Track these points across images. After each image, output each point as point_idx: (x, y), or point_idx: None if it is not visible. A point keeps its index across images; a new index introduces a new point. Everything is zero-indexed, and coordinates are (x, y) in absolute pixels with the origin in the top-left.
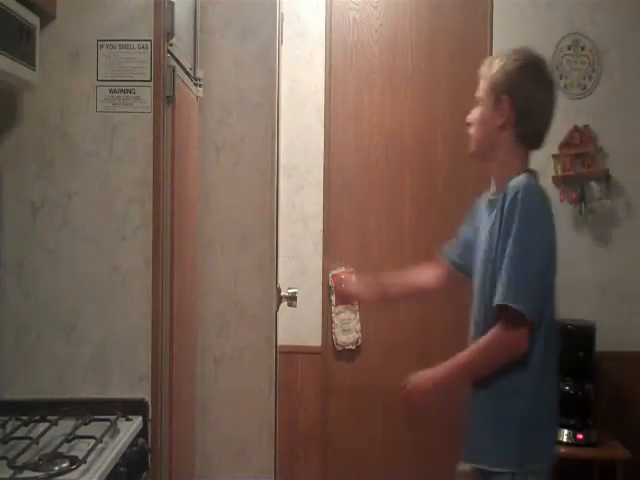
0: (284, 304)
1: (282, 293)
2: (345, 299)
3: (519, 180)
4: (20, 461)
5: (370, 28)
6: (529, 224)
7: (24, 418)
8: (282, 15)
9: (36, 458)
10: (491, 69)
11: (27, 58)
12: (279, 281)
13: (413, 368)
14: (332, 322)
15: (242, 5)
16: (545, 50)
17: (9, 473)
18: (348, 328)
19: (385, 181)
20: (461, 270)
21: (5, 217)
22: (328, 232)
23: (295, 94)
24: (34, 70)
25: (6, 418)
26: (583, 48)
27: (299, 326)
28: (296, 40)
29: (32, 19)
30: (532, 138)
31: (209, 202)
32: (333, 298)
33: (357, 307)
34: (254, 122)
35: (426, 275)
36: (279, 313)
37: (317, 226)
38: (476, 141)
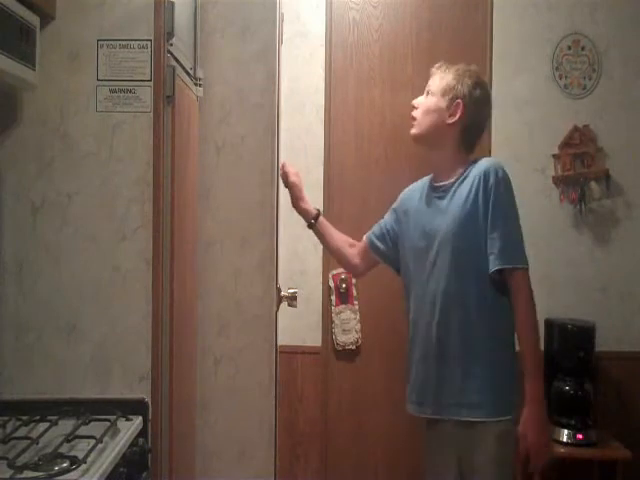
0: (284, 304)
1: (282, 293)
2: (285, 182)
3: (490, 162)
4: (20, 461)
5: (370, 28)
6: (511, 196)
7: (24, 418)
8: (282, 15)
9: (36, 458)
10: (449, 73)
11: (27, 58)
12: (279, 281)
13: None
14: (332, 322)
15: (242, 5)
16: (545, 50)
17: (9, 473)
18: (348, 328)
19: (385, 181)
20: (378, 254)
21: (5, 217)
22: None
23: (295, 94)
24: (34, 70)
25: (6, 418)
26: (583, 48)
27: (299, 326)
28: (296, 40)
29: (32, 19)
30: (471, 142)
31: (209, 202)
32: (333, 298)
33: (357, 307)
34: (254, 122)
35: (352, 249)
36: (279, 313)
37: None
38: (424, 126)
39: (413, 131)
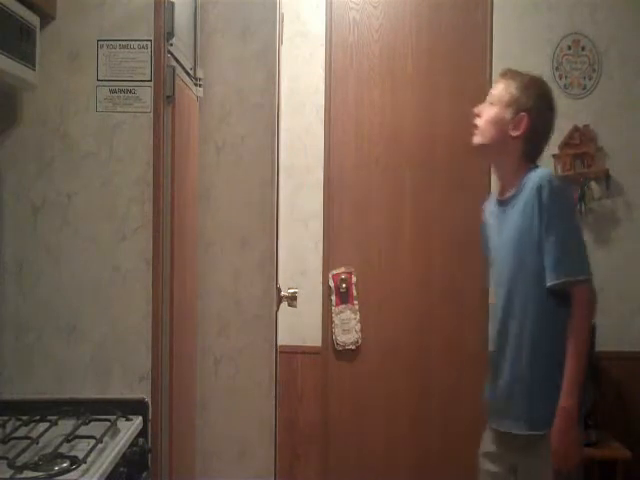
0: (284, 304)
1: (282, 293)
2: None
3: (543, 173)
4: (20, 461)
5: (370, 28)
6: (567, 207)
7: (24, 418)
8: (282, 15)
9: (36, 458)
10: (513, 83)
11: (27, 58)
12: (279, 281)
13: (413, 368)
14: (332, 322)
15: (242, 5)
16: (545, 50)
17: (9, 473)
18: (348, 328)
19: (385, 181)
20: None
21: (5, 217)
22: (328, 232)
23: (295, 94)
24: (34, 70)
25: (6, 418)
26: (583, 48)
27: (299, 326)
28: (296, 40)
29: (32, 19)
30: (535, 154)
31: (209, 202)
32: (333, 298)
33: (357, 307)
34: (254, 122)
35: None
36: (279, 313)
37: (317, 226)
38: (487, 137)
39: (475, 140)
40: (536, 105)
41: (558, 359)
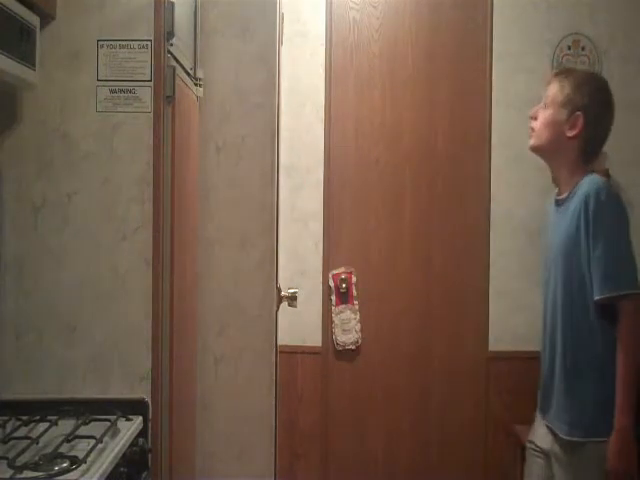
0: (284, 304)
1: (282, 293)
2: None
3: (593, 182)
4: (20, 461)
5: (370, 28)
6: (616, 219)
7: (24, 418)
8: (282, 15)
9: (36, 458)
10: (568, 82)
11: (27, 58)
12: (279, 281)
13: (413, 368)
14: (332, 322)
15: (242, 5)
16: (545, 50)
17: (9, 473)
18: (348, 328)
19: (385, 181)
20: None
21: (5, 217)
22: (328, 232)
23: (295, 94)
24: (34, 70)
25: (6, 418)
26: (583, 48)
27: (299, 326)
28: (296, 40)
29: (32, 19)
30: (593, 153)
31: (209, 202)
32: (333, 298)
33: (357, 307)
34: (254, 122)
35: None
36: (279, 313)
37: (317, 226)
38: (543, 139)
39: (532, 142)
40: (591, 102)
41: (603, 370)
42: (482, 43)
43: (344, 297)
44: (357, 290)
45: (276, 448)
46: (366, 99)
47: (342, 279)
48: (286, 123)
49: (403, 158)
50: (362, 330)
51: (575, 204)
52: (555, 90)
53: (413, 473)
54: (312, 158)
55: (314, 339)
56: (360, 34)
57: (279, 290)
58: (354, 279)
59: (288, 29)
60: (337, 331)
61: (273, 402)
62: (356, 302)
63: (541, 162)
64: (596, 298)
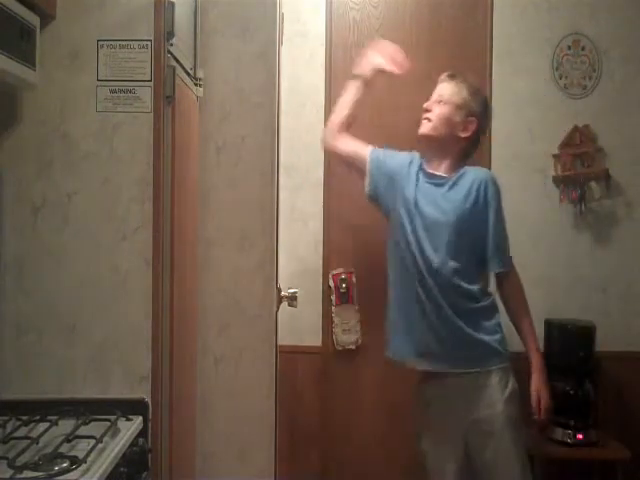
0: (284, 304)
1: (282, 293)
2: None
3: (487, 172)
4: (20, 461)
5: (370, 28)
6: (501, 205)
7: (24, 418)
8: (282, 15)
9: (36, 458)
10: (463, 87)
11: (27, 58)
12: (279, 281)
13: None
14: (332, 322)
15: (242, 5)
16: (545, 50)
17: (9, 473)
18: (348, 328)
19: None
20: (368, 174)
21: (5, 217)
22: (328, 232)
23: (295, 94)
24: (34, 70)
25: (6, 418)
26: (583, 48)
27: (299, 326)
28: (296, 40)
29: (32, 19)
30: (472, 153)
31: (209, 202)
32: (333, 298)
33: (357, 307)
34: (254, 122)
35: (349, 136)
36: (279, 313)
37: (317, 226)
38: (437, 132)
39: (424, 131)
40: (482, 112)
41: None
42: (482, 43)
43: (344, 297)
44: (357, 290)
45: (276, 448)
46: (366, 99)
47: (342, 279)
48: (286, 123)
49: None
50: (362, 330)
51: (468, 184)
52: (451, 91)
53: (413, 473)
54: (312, 158)
55: (314, 339)
56: (360, 34)
57: (279, 290)
58: (354, 279)
59: (288, 29)
60: (337, 331)
61: (273, 402)
62: (356, 302)
63: (541, 162)
64: (498, 270)
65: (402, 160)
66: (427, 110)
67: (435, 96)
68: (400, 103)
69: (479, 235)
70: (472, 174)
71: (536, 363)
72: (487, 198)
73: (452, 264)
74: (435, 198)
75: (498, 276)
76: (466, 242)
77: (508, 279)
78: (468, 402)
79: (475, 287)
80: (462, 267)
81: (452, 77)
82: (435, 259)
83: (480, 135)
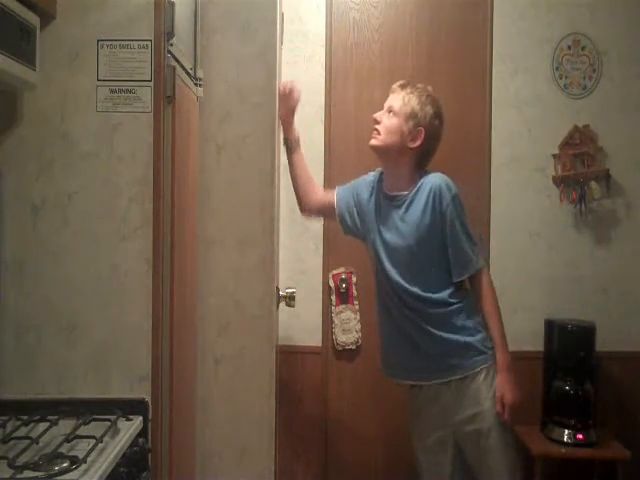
0: (282, 304)
1: (280, 293)
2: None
3: (441, 178)
4: (20, 461)
5: (370, 28)
6: (463, 207)
7: (24, 418)
8: (282, 15)
9: (36, 458)
10: (413, 97)
11: (27, 58)
12: (279, 281)
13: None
14: (332, 322)
15: (242, 5)
16: (545, 50)
17: (9, 473)
18: (348, 328)
19: None
20: (337, 217)
21: (5, 217)
22: (328, 232)
23: None
24: (34, 70)
25: (6, 418)
26: (583, 48)
27: (299, 326)
28: (296, 40)
29: (32, 19)
30: (426, 162)
31: (209, 202)
32: (333, 298)
33: (357, 307)
34: (254, 122)
35: (318, 190)
36: (279, 313)
37: (317, 226)
38: (386, 143)
39: (374, 143)
40: (431, 122)
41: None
42: (482, 43)
43: (344, 297)
44: (357, 290)
45: (276, 448)
46: (366, 99)
47: (342, 279)
48: None
49: None
50: (362, 330)
51: (424, 197)
52: (401, 102)
53: (413, 473)
54: (312, 158)
55: (314, 339)
56: (360, 34)
57: (277, 290)
58: (354, 279)
59: (288, 29)
60: (337, 331)
61: (273, 402)
62: (356, 302)
63: (541, 162)
64: (459, 278)
65: (365, 186)
66: (376, 121)
67: (385, 107)
68: None
69: (442, 245)
70: (429, 184)
71: (501, 363)
72: (442, 208)
73: (419, 283)
74: (394, 222)
75: (469, 277)
76: (430, 258)
77: (475, 280)
78: (457, 404)
79: (446, 292)
80: (430, 281)
81: (403, 87)
82: (402, 283)
83: (433, 144)
